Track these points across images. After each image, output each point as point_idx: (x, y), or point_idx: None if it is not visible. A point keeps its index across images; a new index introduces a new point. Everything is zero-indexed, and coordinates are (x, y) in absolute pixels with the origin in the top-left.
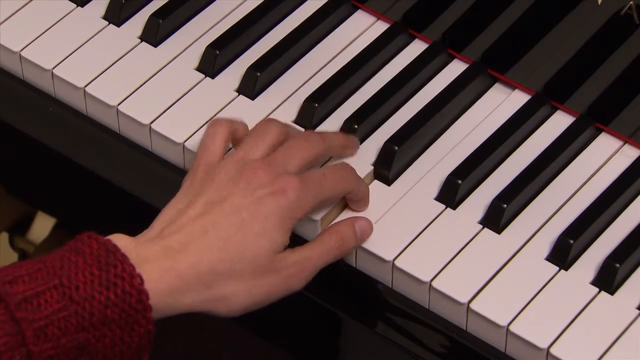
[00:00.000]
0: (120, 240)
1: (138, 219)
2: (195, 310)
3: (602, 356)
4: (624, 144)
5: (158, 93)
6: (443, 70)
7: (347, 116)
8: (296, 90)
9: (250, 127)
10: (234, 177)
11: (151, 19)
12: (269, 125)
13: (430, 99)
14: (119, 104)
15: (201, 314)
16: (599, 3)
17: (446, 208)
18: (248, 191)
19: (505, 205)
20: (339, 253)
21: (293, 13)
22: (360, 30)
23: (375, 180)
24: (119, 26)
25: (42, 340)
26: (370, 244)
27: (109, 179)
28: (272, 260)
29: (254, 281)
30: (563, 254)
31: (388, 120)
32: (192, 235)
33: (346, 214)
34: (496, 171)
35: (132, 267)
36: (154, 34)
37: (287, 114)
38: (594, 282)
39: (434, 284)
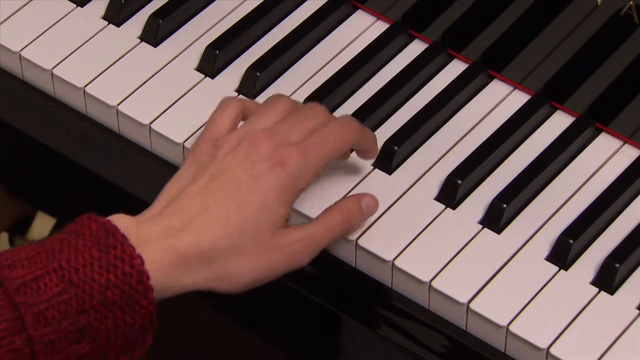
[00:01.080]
0: (120, 220)
1: None
2: (197, 288)
3: (602, 356)
4: (624, 144)
5: (158, 93)
6: (443, 70)
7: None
8: (296, 90)
9: None
10: (235, 149)
11: (151, 19)
12: (278, 99)
13: (430, 99)
14: (118, 104)
15: (201, 314)
16: (599, 3)
17: (446, 208)
18: (247, 165)
19: (505, 205)
20: (345, 229)
21: (293, 13)
22: (360, 30)
23: (375, 180)
24: (118, 26)
25: (42, 324)
26: (370, 244)
27: (109, 179)
28: (273, 235)
29: (256, 257)
30: (563, 254)
31: (388, 120)
32: (192, 214)
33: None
34: (496, 171)
35: (132, 247)
36: (154, 34)
37: None
38: (594, 282)
39: (434, 284)
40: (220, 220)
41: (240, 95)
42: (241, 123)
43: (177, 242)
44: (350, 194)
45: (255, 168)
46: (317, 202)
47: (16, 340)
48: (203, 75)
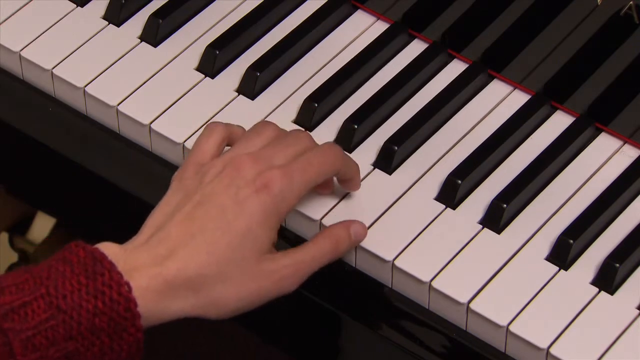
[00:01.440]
0: (108, 248)
1: (138, 218)
2: (185, 315)
3: (602, 356)
4: (624, 144)
5: (158, 93)
6: (443, 70)
7: (347, 116)
8: (296, 90)
9: (247, 128)
10: (220, 175)
11: (151, 19)
12: (264, 125)
13: (430, 99)
14: (118, 104)
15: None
16: (599, 3)
17: (446, 208)
18: (232, 190)
19: (505, 205)
20: (333, 256)
21: (293, 13)
22: (360, 30)
23: (375, 180)
24: (118, 26)
25: (29, 350)
26: (370, 244)
27: (109, 179)
28: (260, 261)
29: (243, 284)
30: (563, 254)
31: (388, 120)
32: (179, 241)
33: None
34: (496, 171)
35: (120, 274)
36: (154, 34)
37: (287, 114)
38: (594, 282)
39: (434, 284)
40: (206, 246)
41: (240, 96)
42: (227, 148)
43: (164, 269)
44: (350, 196)
45: (240, 193)
46: (316, 203)
47: None
48: (203, 75)
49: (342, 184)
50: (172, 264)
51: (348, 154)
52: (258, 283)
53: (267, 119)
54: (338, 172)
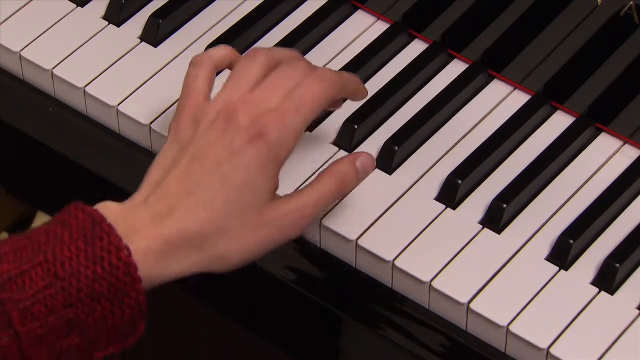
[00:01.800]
0: (107, 208)
1: None
2: (189, 273)
3: (602, 356)
4: (624, 144)
5: (158, 93)
6: (443, 70)
7: (347, 116)
8: None
9: None
10: (213, 124)
11: (151, 19)
12: (253, 56)
13: (430, 99)
14: (119, 104)
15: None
16: (599, 3)
17: (446, 208)
18: (226, 140)
19: (505, 205)
20: (339, 195)
21: (293, 13)
22: (360, 30)
23: (375, 180)
24: (118, 26)
25: (28, 319)
26: (370, 244)
27: (109, 179)
28: (260, 212)
29: (245, 236)
30: (563, 254)
31: (388, 120)
32: (177, 199)
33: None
34: (496, 171)
35: (119, 238)
36: (154, 34)
37: None
38: (594, 282)
39: (434, 284)
40: (204, 202)
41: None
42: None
43: (164, 229)
44: (350, 195)
45: (234, 143)
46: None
47: (4, 336)
48: None
49: (349, 99)
50: (171, 223)
51: (343, 72)
52: (261, 233)
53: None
54: (336, 97)
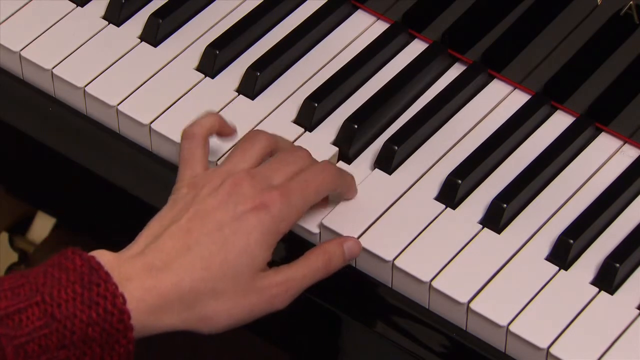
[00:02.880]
0: (103, 256)
1: (138, 218)
2: (176, 329)
3: (602, 356)
4: (624, 144)
5: (158, 93)
6: (443, 70)
7: (347, 116)
8: (296, 90)
9: (247, 128)
10: (218, 190)
11: (151, 19)
12: (257, 136)
13: (430, 99)
14: (118, 104)
15: None
16: (599, 3)
17: (446, 208)
18: (230, 206)
19: (505, 205)
20: (325, 273)
21: (293, 13)
22: (360, 30)
23: (375, 180)
24: (118, 26)
25: (21, 357)
26: (370, 244)
27: (109, 179)
28: (253, 279)
29: (235, 300)
30: (563, 254)
31: (388, 121)
32: (174, 254)
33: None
34: (496, 171)
35: (115, 286)
36: (154, 34)
37: (287, 114)
38: (594, 282)
39: (434, 284)
40: (202, 261)
41: (240, 96)
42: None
43: (159, 282)
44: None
45: (238, 209)
46: (315, 207)
47: None
48: (203, 75)
49: (339, 196)
50: (167, 277)
51: (343, 169)
52: (250, 300)
53: (266, 119)
54: (335, 190)
